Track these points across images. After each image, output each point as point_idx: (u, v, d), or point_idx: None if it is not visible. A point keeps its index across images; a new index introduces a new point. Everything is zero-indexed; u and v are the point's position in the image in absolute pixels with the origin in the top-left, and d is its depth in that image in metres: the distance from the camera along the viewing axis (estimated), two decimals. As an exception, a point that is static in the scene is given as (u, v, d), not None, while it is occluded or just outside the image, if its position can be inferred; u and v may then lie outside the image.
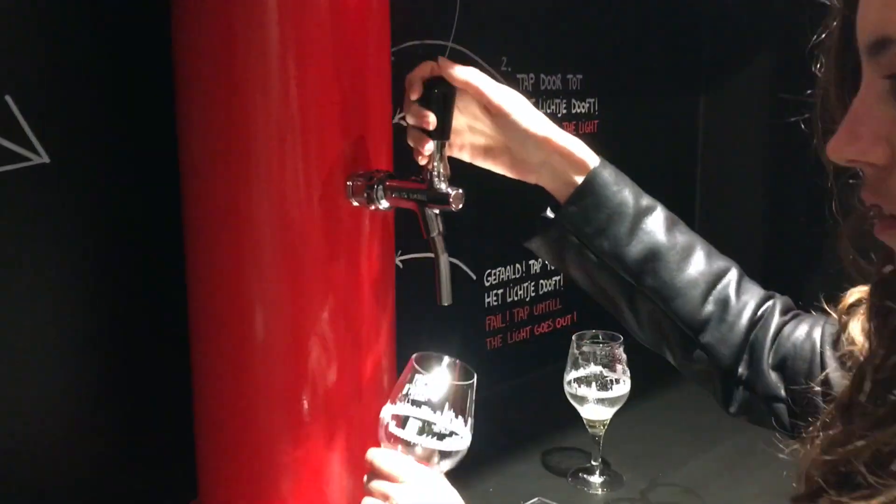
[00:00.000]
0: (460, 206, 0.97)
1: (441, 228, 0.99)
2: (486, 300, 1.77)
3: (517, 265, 1.82)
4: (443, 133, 0.96)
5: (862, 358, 0.64)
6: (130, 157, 1.16)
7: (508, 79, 1.68)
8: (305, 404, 1.04)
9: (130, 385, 1.19)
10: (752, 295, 0.98)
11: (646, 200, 0.99)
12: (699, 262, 0.97)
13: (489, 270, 1.77)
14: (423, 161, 0.98)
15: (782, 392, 0.92)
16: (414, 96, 0.97)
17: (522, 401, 1.76)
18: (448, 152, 1.00)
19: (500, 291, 1.79)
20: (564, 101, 1.84)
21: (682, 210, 2.21)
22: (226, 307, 1.04)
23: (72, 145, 1.09)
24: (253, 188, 0.99)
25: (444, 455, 0.90)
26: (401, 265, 1.52)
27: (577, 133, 1.84)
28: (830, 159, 0.54)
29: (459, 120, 1.01)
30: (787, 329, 0.95)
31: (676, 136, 2.22)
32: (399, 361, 1.12)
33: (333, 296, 1.03)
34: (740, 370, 0.95)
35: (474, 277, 1.74)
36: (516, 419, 1.66)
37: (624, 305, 0.99)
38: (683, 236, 0.98)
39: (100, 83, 1.12)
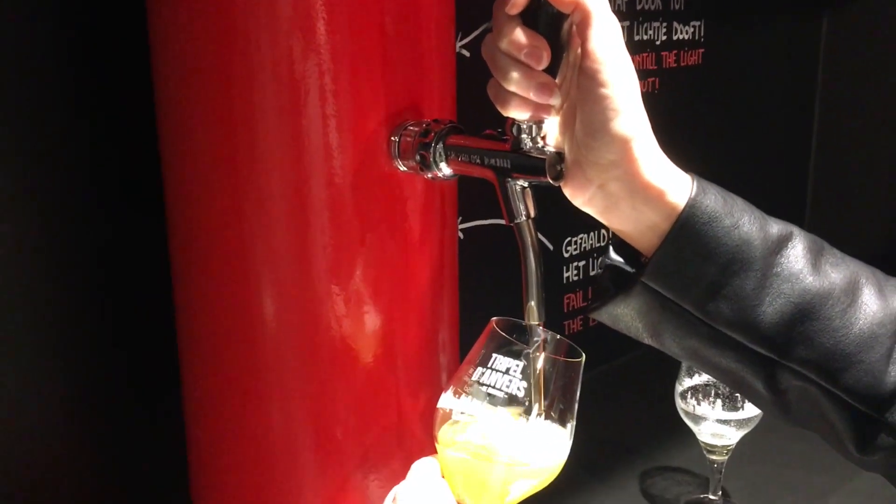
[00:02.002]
0: (560, 177, 0.66)
1: (532, 210, 0.70)
2: (565, 275, 1.55)
3: (602, 231, 1.58)
4: (551, 68, 0.64)
5: None
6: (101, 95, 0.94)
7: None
8: (334, 437, 0.79)
9: (110, 386, 1.02)
10: None
11: (775, 228, 0.68)
12: (871, 306, 0.68)
13: (568, 238, 1.54)
14: (515, 111, 0.65)
15: None
16: (514, 10, 0.63)
17: (611, 399, 1.50)
18: None
19: (581, 264, 1.56)
20: (665, 24, 1.59)
21: (794, 169, 2.04)
22: (224, 306, 0.79)
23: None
24: (257, 146, 0.72)
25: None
26: (461, 236, 1.27)
27: (678, 65, 1.60)
28: None
29: None
30: None
31: (794, 69, 2.01)
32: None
33: (371, 301, 0.77)
34: None
35: (551, 247, 1.51)
36: (604, 425, 1.40)
37: (761, 387, 0.71)
38: (839, 271, 0.69)
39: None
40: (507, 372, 0.68)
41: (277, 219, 0.74)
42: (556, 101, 0.64)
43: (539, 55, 0.63)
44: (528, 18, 0.62)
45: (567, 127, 0.67)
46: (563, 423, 0.70)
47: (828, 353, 0.67)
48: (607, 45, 0.63)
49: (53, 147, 0.92)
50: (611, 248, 0.72)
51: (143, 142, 0.88)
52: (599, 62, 0.63)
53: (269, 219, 0.74)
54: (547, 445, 0.69)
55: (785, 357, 0.68)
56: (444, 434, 0.71)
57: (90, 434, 1.01)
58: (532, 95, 0.64)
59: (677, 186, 0.65)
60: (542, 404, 0.69)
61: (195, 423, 0.86)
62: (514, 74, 0.63)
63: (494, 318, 0.70)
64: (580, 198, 0.68)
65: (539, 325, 0.69)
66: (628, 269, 0.70)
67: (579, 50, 0.64)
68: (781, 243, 0.67)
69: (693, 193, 0.65)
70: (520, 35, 0.63)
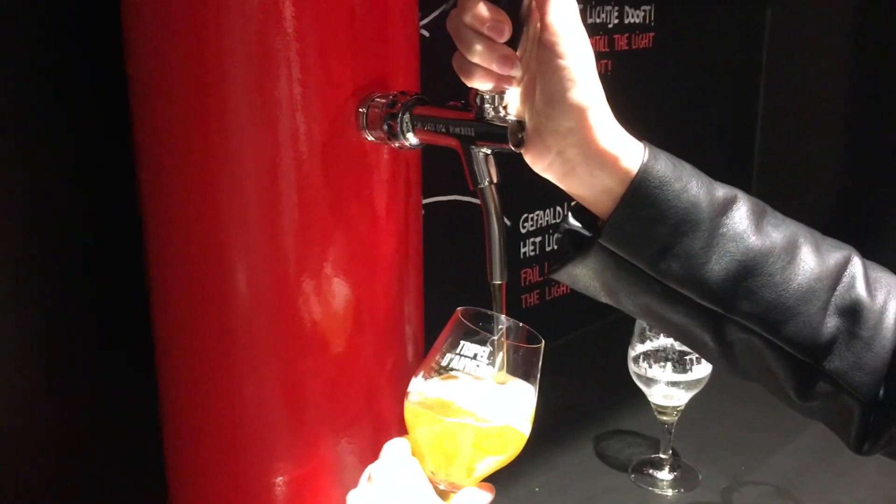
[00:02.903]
0: (521, 144, 0.69)
1: (495, 176, 0.72)
2: (522, 250, 1.56)
3: (557, 208, 1.60)
4: (511, 41, 0.66)
5: None
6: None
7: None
8: (306, 402, 0.81)
9: (83, 387, 0.99)
10: (890, 288, 0.73)
11: (721, 192, 0.71)
12: (809, 262, 0.72)
13: (525, 215, 1.55)
14: (479, 82, 0.68)
15: None
16: None
17: (566, 369, 1.50)
18: None
19: (537, 239, 1.57)
20: (617, 8, 1.59)
21: (741, 146, 2.06)
22: (198, 283, 0.79)
23: None
24: (227, 119, 0.73)
25: None
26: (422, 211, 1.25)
27: (629, 47, 1.62)
28: None
29: None
30: None
31: (740, 52, 2.01)
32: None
33: (340, 265, 0.78)
34: (880, 395, 0.72)
35: (508, 223, 1.52)
36: (561, 393, 1.39)
37: (707, 338, 0.73)
38: (779, 230, 0.72)
39: None
40: (474, 357, 0.70)
41: (250, 187, 0.74)
42: (517, 72, 0.66)
43: (501, 28, 0.65)
44: None
45: (528, 97, 0.70)
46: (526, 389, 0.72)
47: (769, 306, 0.70)
48: (565, 19, 0.66)
49: (27, 141, 0.90)
50: (569, 213, 0.74)
51: (117, 115, 0.87)
52: (557, 35, 0.66)
53: (242, 186, 0.74)
54: (510, 404, 0.71)
55: (731, 311, 0.70)
56: (410, 410, 0.72)
57: (63, 419, 0.99)
58: (495, 67, 0.66)
59: (631, 153, 0.68)
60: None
61: (168, 391, 0.86)
62: (478, 47, 0.66)
63: (460, 308, 0.72)
64: (540, 164, 0.70)
65: (502, 313, 0.71)
66: (586, 232, 0.72)
67: (538, 24, 0.67)
68: (727, 205, 0.70)
69: (645, 159, 0.68)
70: (482, 9, 0.65)
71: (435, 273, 0.98)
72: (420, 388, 0.71)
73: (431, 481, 0.72)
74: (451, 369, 0.70)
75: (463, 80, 0.68)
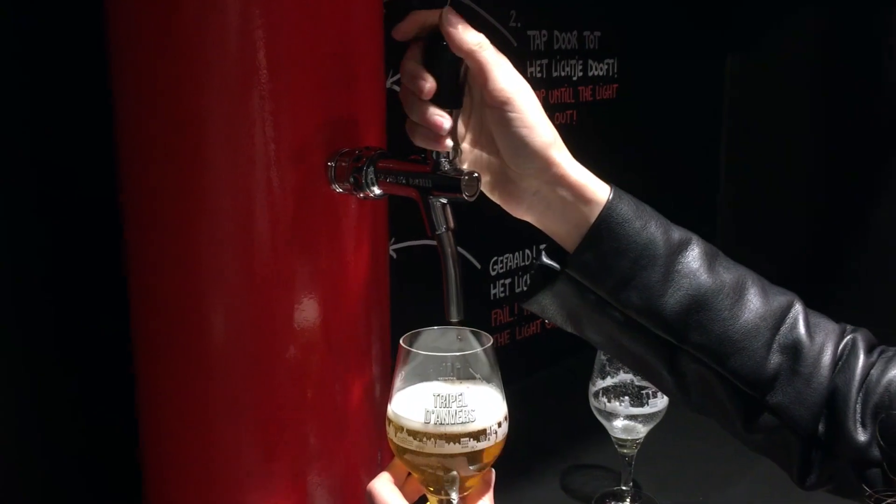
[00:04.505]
0: (475, 194, 0.76)
1: (451, 223, 0.78)
2: (493, 291, 1.60)
3: (527, 251, 1.65)
4: (454, 99, 0.73)
5: None
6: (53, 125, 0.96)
7: (518, 36, 1.47)
8: (281, 423, 0.85)
9: (62, 397, 1.01)
10: (827, 332, 0.79)
11: (677, 234, 0.79)
12: (755, 302, 0.78)
13: (495, 258, 1.59)
14: (420, 141, 0.75)
15: (875, 453, 0.75)
16: (397, 36, 0.76)
17: (535, 406, 1.54)
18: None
19: (507, 281, 1.62)
20: (581, 61, 1.66)
21: (705, 199, 2.12)
22: (177, 325, 0.84)
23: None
24: (207, 173, 0.79)
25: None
26: (394, 255, 1.33)
27: (594, 98, 1.70)
28: None
29: None
30: (874, 372, 0.77)
31: (701, 103, 2.07)
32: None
33: (312, 308, 0.83)
34: (820, 430, 0.78)
35: (478, 266, 1.56)
36: (529, 430, 1.42)
37: (662, 368, 0.80)
38: (730, 272, 0.79)
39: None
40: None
41: (227, 237, 0.80)
42: (447, 127, 0.73)
43: (422, 86, 0.72)
44: (430, 61, 0.73)
45: (491, 151, 0.77)
46: (495, 392, 0.77)
47: (717, 339, 0.76)
48: (509, 79, 0.74)
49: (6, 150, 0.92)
50: (543, 253, 0.81)
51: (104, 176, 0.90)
52: (507, 93, 0.73)
53: (220, 237, 0.80)
54: (484, 406, 0.76)
55: (683, 341, 0.77)
56: (392, 432, 0.77)
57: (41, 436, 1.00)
58: (427, 124, 0.73)
59: (597, 185, 0.76)
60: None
61: (148, 416, 0.89)
62: (414, 108, 0.74)
63: (401, 338, 0.78)
64: (519, 209, 0.78)
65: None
66: (556, 266, 0.79)
67: (482, 88, 0.75)
68: (682, 246, 0.77)
69: (610, 197, 0.76)
70: (410, 69, 0.73)
71: (407, 312, 1.00)
72: (393, 410, 0.77)
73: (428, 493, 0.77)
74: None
75: (410, 139, 0.75)
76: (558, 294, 0.79)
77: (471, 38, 0.73)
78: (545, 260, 0.80)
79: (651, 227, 0.77)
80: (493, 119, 0.75)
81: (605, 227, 0.76)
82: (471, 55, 0.73)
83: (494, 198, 0.81)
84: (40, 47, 0.93)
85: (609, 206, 0.76)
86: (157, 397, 0.88)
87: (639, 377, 1.17)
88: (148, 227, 0.84)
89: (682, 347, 0.78)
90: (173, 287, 0.83)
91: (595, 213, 0.76)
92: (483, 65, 0.73)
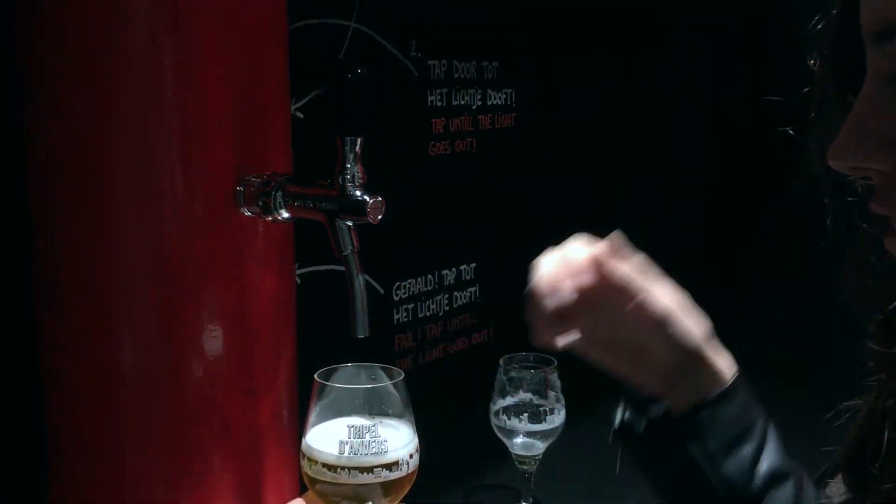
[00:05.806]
0: (379, 217, 0.79)
1: (356, 245, 0.81)
2: (396, 317, 1.60)
3: (430, 276, 1.65)
4: (357, 127, 0.76)
5: None
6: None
7: (419, 65, 1.51)
8: (189, 452, 0.85)
9: None
10: None
11: (763, 415, 0.81)
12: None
13: (398, 283, 1.59)
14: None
15: None
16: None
17: (440, 429, 1.56)
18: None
19: (410, 306, 1.62)
20: (480, 91, 1.69)
21: (600, 218, 2.18)
22: (86, 341, 0.84)
23: None
24: (117, 196, 0.80)
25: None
26: (299, 280, 1.32)
27: (493, 126, 1.74)
28: (832, 167, 0.50)
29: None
30: None
31: (596, 131, 2.11)
32: (302, 393, 0.94)
33: (220, 327, 0.85)
34: None
35: (381, 291, 1.56)
36: (434, 450, 1.47)
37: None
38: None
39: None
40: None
41: (138, 258, 0.81)
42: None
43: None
44: (341, 88, 0.77)
45: (625, 353, 0.80)
46: (406, 427, 0.81)
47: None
48: (664, 304, 0.76)
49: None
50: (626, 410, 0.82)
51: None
52: (665, 317, 0.76)
53: (130, 256, 0.81)
54: (396, 438, 0.80)
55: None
56: (307, 465, 0.80)
57: None
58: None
59: (729, 369, 0.78)
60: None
61: (55, 443, 0.89)
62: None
63: (316, 374, 0.81)
64: (639, 379, 0.79)
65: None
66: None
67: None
68: (768, 425, 0.78)
69: (737, 373, 0.78)
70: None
71: (315, 336, 1.04)
72: (306, 444, 0.79)
73: None
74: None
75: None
76: (655, 444, 0.80)
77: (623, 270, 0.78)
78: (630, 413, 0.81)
79: (756, 407, 0.79)
80: (647, 329, 0.77)
81: (733, 396, 0.77)
82: (623, 291, 0.76)
83: (623, 371, 0.81)
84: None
85: (740, 378, 0.78)
86: (64, 431, 0.88)
87: (536, 395, 1.21)
88: (56, 248, 0.84)
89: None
90: (82, 316, 0.83)
91: (716, 383, 0.77)
92: (639, 296, 0.76)
